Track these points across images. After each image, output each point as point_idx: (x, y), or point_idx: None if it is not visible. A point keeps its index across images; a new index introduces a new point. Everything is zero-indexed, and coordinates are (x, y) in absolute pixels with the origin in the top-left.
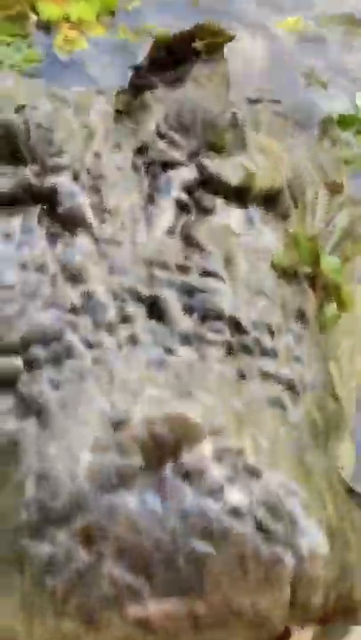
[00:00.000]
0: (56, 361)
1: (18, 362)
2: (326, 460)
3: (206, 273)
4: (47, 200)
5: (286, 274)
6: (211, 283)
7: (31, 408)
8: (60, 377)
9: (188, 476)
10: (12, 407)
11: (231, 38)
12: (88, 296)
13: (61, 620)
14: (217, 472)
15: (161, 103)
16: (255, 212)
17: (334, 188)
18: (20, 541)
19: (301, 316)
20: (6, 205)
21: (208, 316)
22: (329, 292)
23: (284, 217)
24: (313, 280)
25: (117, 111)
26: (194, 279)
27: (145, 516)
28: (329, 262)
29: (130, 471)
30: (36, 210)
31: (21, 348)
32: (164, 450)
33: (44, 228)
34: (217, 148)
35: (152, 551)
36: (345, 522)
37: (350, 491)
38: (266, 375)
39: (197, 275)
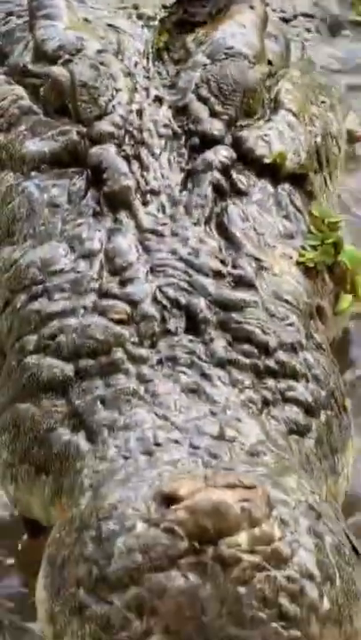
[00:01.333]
0: (104, 375)
1: (69, 368)
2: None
3: (240, 282)
4: (92, 170)
5: (309, 269)
6: (244, 295)
7: (83, 424)
8: (108, 393)
9: (225, 562)
10: (66, 416)
11: None
12: (133, 304)
13: None
14: (249, 560)
15: (201, 51)
16: (284, 193)
17: (352, 139)
18: (79, 594)
19: (320, 312)
20: (50, 164)
21: (239, 337)
22: (345, 281)
23: (310, 196)
24: (332, 269)
25: (158, 49)
26: (228, 292)
27: (189, 599)
28: (349, 254)
29: (177, 553)
30: (81, 179)
31: (73, 355)
32: (206, 537)
33: (89, 205)
34: (252, 112)
35: (193, 634)
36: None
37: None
38: (288, 400)
39: (231, 284)
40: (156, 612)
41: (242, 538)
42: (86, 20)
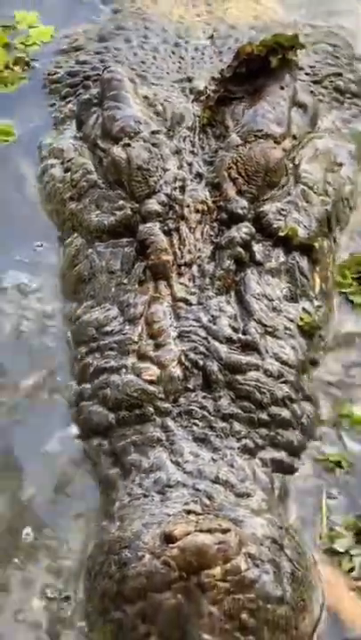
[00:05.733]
0: (137, 423)
1: (112, 417)
2: None
3: (247, 346)
4: (140, 243)
5: (308, 333)
6: (248, 359)
7: (120, 461)
8: (138, 439)
9: (204, 588)
10: (108, 454)
11: (303, 47)
12: (163, 367)
13: None
14: (222, 586)
15: (236, 132)
16: (294, 262)
17: None
18: (104, 602)
19: (314, 365)
20: (109, 234)
21: (241, 395)
22: None
23: (316, 262)
24: None
25: (203, 125)
26: (235, 357)
27: (177, 613)
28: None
29: (170, 580)
30: (131, 249)
31: (115, 407)
32: (191, 570)
33: (136, 274)
34: (274, 184)
35: (179, 638)
36: None
37: None
38: (276, 445)
39: (240, 348)
40: (154, 621)
41: (217, 570)
42: (146, 97)
